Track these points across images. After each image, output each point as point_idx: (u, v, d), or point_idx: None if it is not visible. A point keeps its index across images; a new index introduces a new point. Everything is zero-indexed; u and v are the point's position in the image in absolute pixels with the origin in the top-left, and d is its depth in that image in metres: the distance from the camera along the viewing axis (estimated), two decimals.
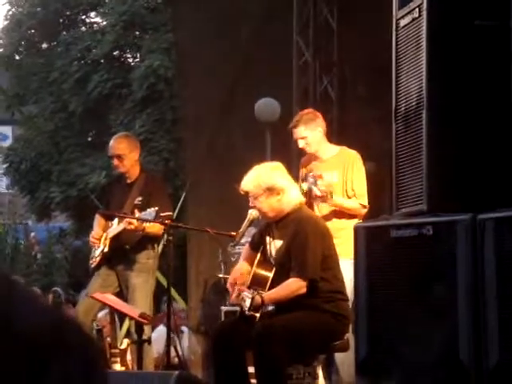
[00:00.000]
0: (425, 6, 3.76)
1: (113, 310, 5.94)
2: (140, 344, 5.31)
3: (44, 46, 17.00)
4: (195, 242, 7.86)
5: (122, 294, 6.00)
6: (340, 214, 5.51)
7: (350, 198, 5.56)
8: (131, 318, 5.58)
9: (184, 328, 7.89)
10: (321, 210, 5.52)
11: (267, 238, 4.83)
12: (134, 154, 6.09)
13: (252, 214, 5.11)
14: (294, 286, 4.59)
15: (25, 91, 16.36)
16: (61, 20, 16.80)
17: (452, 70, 3.75)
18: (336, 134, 6.98)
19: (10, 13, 16.85)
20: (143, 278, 5.93)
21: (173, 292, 7.38)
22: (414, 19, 3.88)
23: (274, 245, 4.77)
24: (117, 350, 5.82)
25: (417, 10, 3.84)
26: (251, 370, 4.67)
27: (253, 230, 5.21)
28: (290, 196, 4.72)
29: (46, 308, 1.15)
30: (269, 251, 4.81)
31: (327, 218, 5.39)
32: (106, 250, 5.96)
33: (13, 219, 18.48)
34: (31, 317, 1.11)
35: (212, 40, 7.95)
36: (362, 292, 4.02)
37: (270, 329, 4.50)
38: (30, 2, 16.66)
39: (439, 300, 3.57)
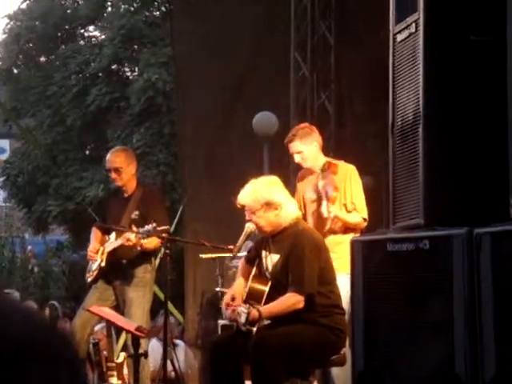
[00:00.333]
0: (421, 21, 3.79)
1: (110, 324, 5.94)
2: (137, 358, 5.30)
3: (42, 59, 17.05)
4: (192, 256, 7.86)
5: (118, 308, 5.99)
6: (337, 228, 5.51)
7: (349, 211, 5.57)
8: (128, 332, 5.58)
9: (179, 341, 7.88)
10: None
11: (263, 252, 4.84)
12: (132, 168, 6.10)
13: (249, 227, 5.12)
14: (291, 300, 4.60)
15: (23, 105, 16.39)
16: (59, 34, 16.86)
17: (448, 85, 3.77)
18: (333, 149, 7.01)
19: (9, 26, 16.90)
20: (140, 292, 5.93)
21: (170, 306, 7.38)
22: (410, 34, 3.90)
23: (271, 259, 4.78)
24: (113, 364, 5.81)
25: (413, 25, 3.87)
26: (248, 383, 4.67)
27: (250, 244, 5.22)
28: (288, 211, 4.73)
29: (26, 313, 1.16)
30: (265, 265, 4.81)
31: (324, 234, 5.38)
32: (103, 264, 5.95)
33: (9, 232, 18.45)
34: (9, 321, 1.11)
35: (210, 54, 7.99)
36: (359, 306, 4.03)
37: (266, 342, 4.50)
38: (29, 15, 16.71)
39: (436, 314, 3.57)
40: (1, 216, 20.85)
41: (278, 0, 7.96)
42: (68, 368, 1.13)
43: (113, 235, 6.00)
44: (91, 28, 17.12)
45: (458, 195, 3.74)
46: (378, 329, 3.92)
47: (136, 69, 15.94)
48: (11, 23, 16.96)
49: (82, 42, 16.96)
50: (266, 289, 4.72)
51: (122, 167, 6.01)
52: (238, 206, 4.80)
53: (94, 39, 17.06)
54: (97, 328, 6.59)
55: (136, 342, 5.30)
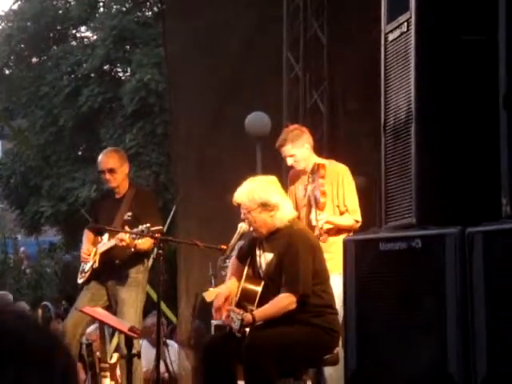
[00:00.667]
0: (413, 20, 3.79)
1: (102, 324, 5.92)
2: (130, 358, 5.29)
3: (34, 60, 17.03)
4: (185, 256, 7.85)
5: (111, 308, 5.98)
6: (329, 230, 5.50)
7: (342, 213, 5.56)
8: (121, 332, 5.57)
9: (171, 342, 7.86)
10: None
11: (257, 251, 4.83)
12: (125, 168, 6.09)
13: (242, 227, 5.11)
14: (284, 302, 4.59)
15: (14, 105, 16.36)
16: (51, 34, 16.84)
17: (440, 84, 3.78)
18: (326, 148, 7.01)
19: (0, 27, 16.87)
20: (133, 292, 5.92)
21: (163, 306, 7.36)
22: (402, 33, 3.90)
23: (265, 258, 4.77)
24: (107, 365, 5.80)
25: (405, 24, 3.87)
26: (241, 383, 4.66)
27: (242, 244, 5.21)
28: (284, 212, 4.72)
29: (19, 315, 1.15)
30: (258, 263, 4.80)
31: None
32: (96, 265, 5.94)
33: (2, 233, 18.41)
34: (2, 323, 1.11)
35: (202, 54, 7.98)
36: (352, 305, 4.02)
37: (259, 343, 4.50)
38: (20, 16, 16.68)
39: (428, 313, 3.57)
40: None
41: (271, 0, 7.96)
42: (61, 370, 1.12)
43: (105, 236, 5.99)
44: (83, 28, 17.11)
45: (450, 194, 3.74)
46: (370, 328, 3.92)
47: (128, 69, 15.93)
48: (2, 24, 16.94)
49: (73, 43, 16.94)
50: (259, 289, 4.72)
51: (116, 167, 6.00)
52: (234, 204, 4.79)
53: (85, 40, 17.05)
54: (90, 329, 6.58)
55: (129, 342, 5.29)
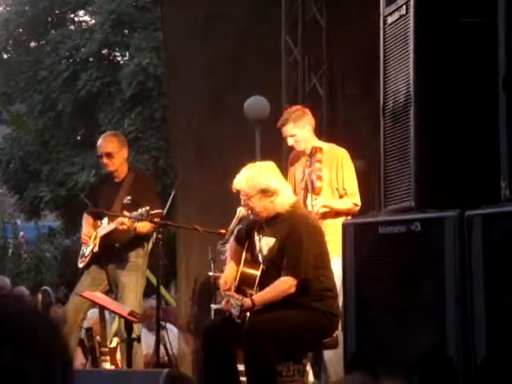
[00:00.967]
0: (412, 3, 3.78)
1: (102, 309, 5.93)
2: (130, 342, 5.31)
3: (32, 44, 16.97)
4: (184, 241, 7.85)
5: (111, 293, 5.99)
6: (327, 214, 5.50)
7: (341, 196, 5.56)
8: (121, 317, 5.58)
9: (169, 325, 7.88)
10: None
11: (255, 235, 4.83)
12: (123, 152, 6.09)
13: (241, 211, 5.11)
14: (284, 285, 4.60)
15: (13, 90, 16.32)
16: (49, 19, 16.78)
17: (439, 67, 3.77)
18: (325, 132, 6.99)
19: None
20: (133, 276, 5.93)
21: (162, 290, 7.38)
22: (401, 16, 3.89)
23: (266, 242, 4.77)
24: (106, 349, 5.82)
25: (404, 7, 3.85)
26: (241, 367, 4.68)
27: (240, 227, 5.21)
28: (284, 197, 4.72)
29: (18, 301, 1.15)
30: (258, 248, 4.81)
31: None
32: (96, 249, 5.95)
33: (1, 218, 18.42)
34: (2, 308, 1.11)
35: (201, 38, 7.95)
36: (351, 289, 4.03)
37: (259, 327, 4.50)
38: (18, 0, 16.61)
39: (427, 296, 3.58)
40: None
41: None
42: (60, 357, 1.12)
43: (105, 220, 5.99)
44: (81, 13, 17.05)
45: (449, 177, 3.74)
46: (369, 311, 3.93)
47: (127, 53, 15.88)
48: (0, 8, 16.87)
49: (72, 27, 16.88)
50: (258, 273, 4.72)
51: (115, 151, 6.00)
52: (234, 190, 4.78)
53: (84, 24, 16.99)
54: (89, 313, 6.59)
55: (129, 326, 5.30)
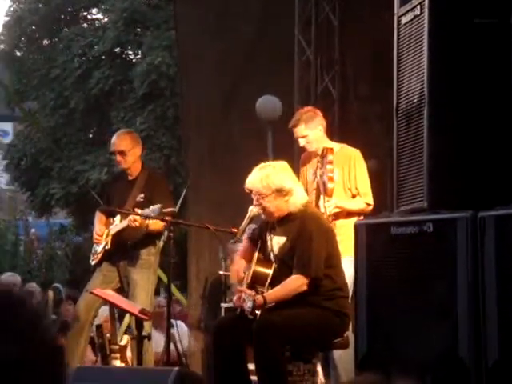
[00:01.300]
0: (426, 3, 3.77)
1: (113, 306, 5.94)
2: (140, 340, 5.31)
3: (45, 42, 17.01)
4: (196, 239, 7.86)
5: (122, 290, 6.00)
6: (339, 214, 5.49)
7: (354, 196, 5.55)
8: (131, 314, 5.59)
9: (179, 323, 7.87)
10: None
11: (268, 235, 4.83)
12: (137, 150, 6.10)
13: (252, 210, 5.11)
14: (295, 284, 4.60)
15: (26, 87, 16.36)
16: (62, 16, 16.81)
17: (453, 67, 3.76)
18: (337, 132, 6.99)
19: (11, 9, 16.85)
20: (144, 274, 5.94)
21: (173, 289, 7.39)
22: (415, 16, 3.88)
23: (277, 241, 4.77)
24: (117, 347, 5.82)
25: (418, 7, 3.85)
26: (252, 366, 4.68)
27: (253, 227, 5.21)
28: (297, 197, 4.73)
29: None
30: (269, 247, 4.81)
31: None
32: (108, 246, 5.96)
33: (13, 215, 18.48)
34: None
35: (213, 38, 7.95)
36: (362, 289, 4.03)
37: (269, 325, 4.50)
38: None
39: (439, 297, 3.57)
40: (4, 199, 20.88)
41: None
42: (44, 345, 1.11)
43: (117, 218, 6.00)
44: (94, 11, 17.08)
45: (462, 178, 3.73)
46: (381, 312, 3.92)
47: (139, 52, 15.89)
48: (14, 5, 16.92)
49: (85, 25, 16.91)
50: (270, 272, 4.73)
51: (128, 149, 6.01)
52: (246, 190, 4.79)
53: (97, 22, 17.01)
54: (100, 311, 6.60)
55: (139, 324, 5.31)
